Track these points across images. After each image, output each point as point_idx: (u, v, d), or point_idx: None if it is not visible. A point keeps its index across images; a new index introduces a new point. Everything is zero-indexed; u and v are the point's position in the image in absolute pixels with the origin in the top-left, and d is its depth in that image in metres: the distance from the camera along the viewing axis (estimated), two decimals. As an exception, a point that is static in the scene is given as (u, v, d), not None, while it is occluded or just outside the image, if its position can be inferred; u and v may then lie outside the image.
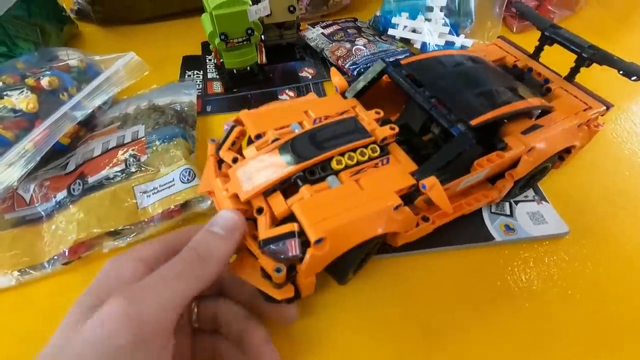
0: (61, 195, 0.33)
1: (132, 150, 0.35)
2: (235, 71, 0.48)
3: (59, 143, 0.37)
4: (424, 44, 0.52)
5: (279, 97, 0.47)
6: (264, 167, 0.26)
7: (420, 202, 0.29)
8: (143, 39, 0.57)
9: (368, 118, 0.30)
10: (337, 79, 0.34)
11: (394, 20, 0.54)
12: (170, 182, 0.33)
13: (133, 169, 0.34)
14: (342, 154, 0.27)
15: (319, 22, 0.56)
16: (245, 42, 0.44)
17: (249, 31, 0.43)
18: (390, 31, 0.54)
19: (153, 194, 0.33)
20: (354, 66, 0.47)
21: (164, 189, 0.33)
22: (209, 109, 0.46)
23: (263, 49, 0.48)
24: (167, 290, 0.20)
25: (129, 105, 0.41)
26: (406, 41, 0.54)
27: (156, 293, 0.20)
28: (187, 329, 0.25)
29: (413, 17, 0.53)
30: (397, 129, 0.29)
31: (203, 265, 0.21)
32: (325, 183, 0.26)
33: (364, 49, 0.50)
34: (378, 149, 0.28)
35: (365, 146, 0.28)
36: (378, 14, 0.56)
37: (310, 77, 0.50)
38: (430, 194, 0.26)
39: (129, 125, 0.38)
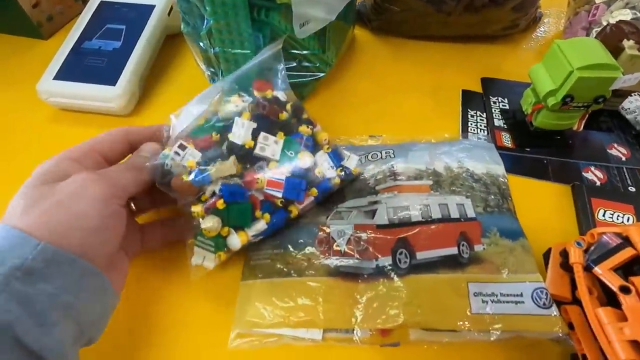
0: (385, 261, 0.30)
1: (465, 233, 0.31)
2: (532, 127, 0.41)
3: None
4: None
5: (583, 173, 0.39)
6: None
7: None
8: (415, 57, 0.53)
9: None
10: None
11: None
12: (518, 295, 0.27)
13: (464, 258, 0.30)
14: None
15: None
16: (583, 108, 0.36)
17: (600, 99, 0.35)
18: None
19: (492, 301, 0.28)
20: None
21: (507, 302, 0.27)
22: (499, 169, 0.39)
23: (587, 116, 0.39)
24: (126, 174, 0.27)
25: (432, 156, 0.37)
26: None
27: (116, 173, 0.27)
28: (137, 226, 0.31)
29: None
30: None
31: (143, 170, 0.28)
32: None
33: None
34: None
35: None
36: None
37: (623, 158, 0.40)
38: None
39: (445, 189, 0.34)
